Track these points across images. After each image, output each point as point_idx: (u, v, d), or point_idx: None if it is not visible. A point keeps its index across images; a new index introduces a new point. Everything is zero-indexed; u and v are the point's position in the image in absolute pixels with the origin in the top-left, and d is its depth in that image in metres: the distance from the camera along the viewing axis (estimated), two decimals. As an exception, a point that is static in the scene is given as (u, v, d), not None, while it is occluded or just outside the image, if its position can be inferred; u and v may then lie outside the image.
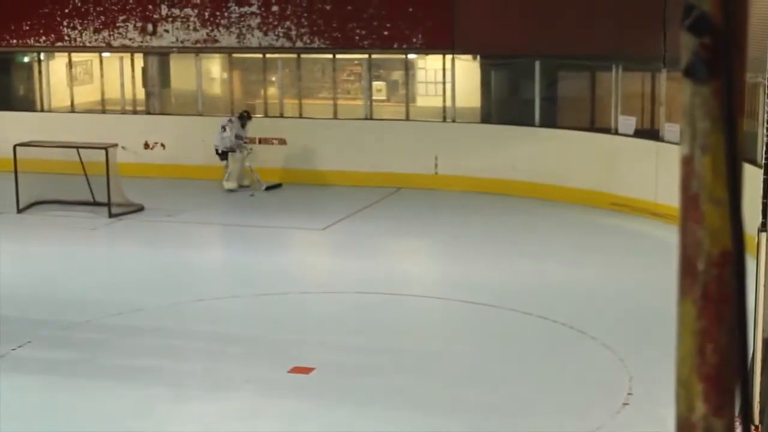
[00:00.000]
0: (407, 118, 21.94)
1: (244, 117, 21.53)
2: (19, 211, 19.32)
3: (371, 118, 22.19)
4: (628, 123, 19.10)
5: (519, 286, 14.55)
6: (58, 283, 15.17)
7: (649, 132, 18.92)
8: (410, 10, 21.28)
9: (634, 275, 15.00)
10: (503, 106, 21.80)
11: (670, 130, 17.91)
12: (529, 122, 20.59)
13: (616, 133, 19.30)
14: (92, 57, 24.20)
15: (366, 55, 22.19)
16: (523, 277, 15.01)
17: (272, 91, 23.14)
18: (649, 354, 11.49)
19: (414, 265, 16.77)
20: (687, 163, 1.90)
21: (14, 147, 19.34)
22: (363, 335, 12.66)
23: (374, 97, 22.41)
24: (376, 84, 22.68)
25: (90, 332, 12.76)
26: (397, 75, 22.84)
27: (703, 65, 1.84)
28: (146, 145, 22.91)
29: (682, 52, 1.88)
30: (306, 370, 11.34)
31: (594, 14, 19.51)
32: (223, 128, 21.20)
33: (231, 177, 21.26)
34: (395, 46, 21.61)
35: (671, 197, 17.27)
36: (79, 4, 23.31)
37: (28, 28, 23.77)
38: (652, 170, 18.05)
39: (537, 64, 20.32)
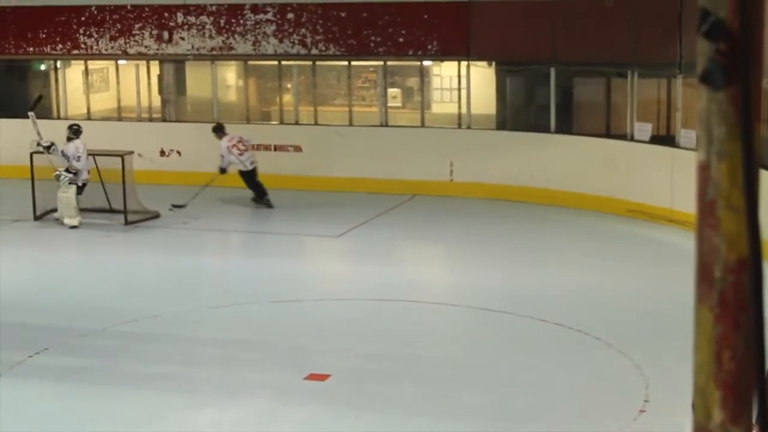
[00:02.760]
0: (422, 125, 21.94)
1: (72, 129, 19.28)
2: (36, 218, 19.38)
3: (386, 125, 22.19)
4: (643, 129, 19.06)
5: (535, 292, 14.52)
6: (74, 290, 15.21)
7: (665, 138, 18.88)
8: (425, 17, 21.29)
9: (651, 282, 14.95)
10: (518, 113, 21.78)
11: (686, 136, 17.86)
12: (544, 129, 20.55)
13: (632, 139, 19.26)
14: (108, 64, 24.30)
15: (381, 62, 22.20)
16: (538, 284, 14.98)
17: (288, 98, 23.17)
18: (665, 361, 11.46)
19: (429, 271, 16.77)
20: (703, 169, 1.89)
21: (31, 154, 19.41)
22: (379, 342, 12.65)
23: (389, 104, 22.41)
24: (392, 91, 22.70)
25: (106, 339, 12.78)
26: (413, 82, 22.86)
27: (720, 72, 1.84)
28: (162, 153, 22.97)
29: (699, 59, 1.88)
30: (322, 377, 11.34)
31: (609, 20, 19.48)
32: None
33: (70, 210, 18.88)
34: (410, 53, 21.63)
35: (687, 203, 17.25)
36: (96, 12, 23.40)
37: (44, 36, 23.87)
38: (668, 177, 18.01)
39: (552, 71, 20.30)
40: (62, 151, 18.97)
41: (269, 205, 20.37)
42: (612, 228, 18.47)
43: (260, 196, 20.43)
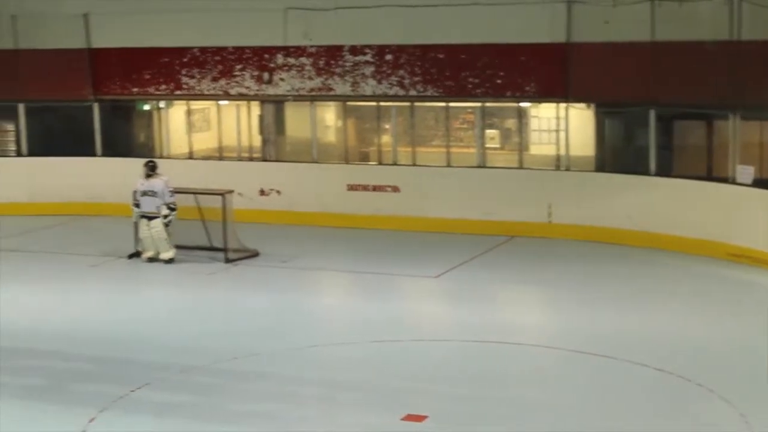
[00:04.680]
0: (520, 166, 21.88)
1: (151, 166, 19.96)
2: (136, 254, 19.71)
3: (484, 166, 22.18)
4: (746, 172, 18.78)
5: (633, 336, 14.35)
6: (175, 327, 15.45)
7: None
8: (523, 58, 21.29)
9: (755, 328, 14.64)
10: (618, 155, 21.60)
11: (791, 179, 17.56)
12: (644, 171, 20.36)
13: (734, 182, 18.99)
14: (210, 105, 24.71)
15: (479, 104, 22.22)
16: (638, 328, 14.80)
17: (386, 138, 23.30)
18: (770, 409, 11.22)
19: (527, 313, 16.67)
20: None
21: (134, 193, 19.75)
22: (476, 383, 12.60)
23: (487, 145, 22.39)
24: (489, 132, 22.68)
25: (206, 376, 12.93)
26: (510, 123, 22.81)
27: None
28: (262, 192, 23.25)
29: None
30: (419, 418, 11.32)
31: (710, 61, 19.26)
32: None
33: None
34: (508, 94, 21.62)
35: (792, 248, 16.78)
36: (198, 54, 23.85)
37: (148, 77, 24.38)
38: (772, 220, 17.70)
39: (652, 113, 20.13)
40: (148, 191, 19.48)
41: None
42: (713, 272, 18.18)
43: None
